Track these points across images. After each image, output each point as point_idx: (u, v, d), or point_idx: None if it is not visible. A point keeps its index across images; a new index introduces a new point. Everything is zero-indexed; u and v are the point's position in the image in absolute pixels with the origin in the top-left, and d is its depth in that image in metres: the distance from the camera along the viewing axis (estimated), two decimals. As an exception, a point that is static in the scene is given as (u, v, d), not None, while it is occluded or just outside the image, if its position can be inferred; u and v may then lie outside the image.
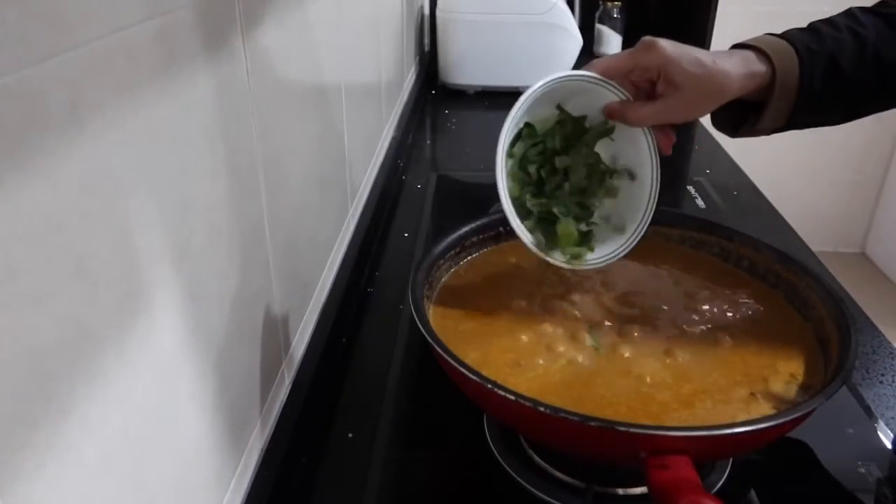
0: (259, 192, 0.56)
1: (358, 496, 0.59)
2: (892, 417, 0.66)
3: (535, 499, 0.57)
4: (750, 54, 0.58)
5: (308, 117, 0.71)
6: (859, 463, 0.61)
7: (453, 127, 1.54)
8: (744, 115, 0.62)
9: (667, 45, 0.57)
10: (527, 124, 0.63)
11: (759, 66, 0.58)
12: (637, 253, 0.72)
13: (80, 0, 0.31)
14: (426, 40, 1.87)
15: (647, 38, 0.59)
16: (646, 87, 0.60)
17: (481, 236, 0.73)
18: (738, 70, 0.57)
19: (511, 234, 0.74)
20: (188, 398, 0.44)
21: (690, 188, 1.16)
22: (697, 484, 0.43)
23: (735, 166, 1.28)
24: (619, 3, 1.94)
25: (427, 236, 1.02)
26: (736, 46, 0.61)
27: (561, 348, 0.60)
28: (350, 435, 0.65)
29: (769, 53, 0.58)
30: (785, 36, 0.60)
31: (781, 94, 0.58)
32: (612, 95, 0.61)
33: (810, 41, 0.59)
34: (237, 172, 0.51)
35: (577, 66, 1.66)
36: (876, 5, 0.61)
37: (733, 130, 0.64)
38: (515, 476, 0.58)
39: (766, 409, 0.53)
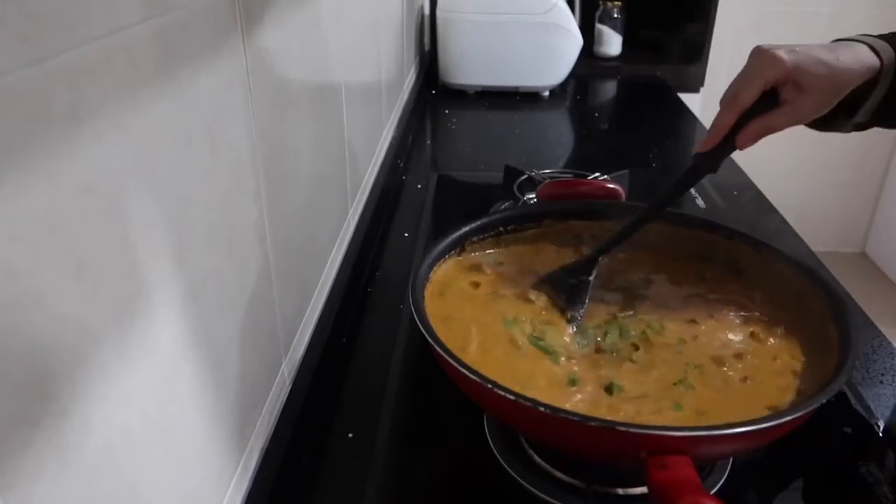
0: (259, 192, 0.56)
1: (358, 496, 0.59)
2: (893, 417, 0.66)
3: (536, 499, 0.57)
4: (861, 48, 0.60)
5: (308, 117, 0.71)
6: (859, 463, 0.61)
7: (453, 127, 1.54)
8: (832, 113, 0.62)
9: (785, 56, 0.58)
10: None
11: (872, 59, 0.59)
12: (637, 253, 0.73)
13: (81, 0, 0.31)
14: (426, 40, 1.87)
15: (764, 52, 0.59)
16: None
17: (481, 236, 0.73)
18: (858, 65, 0.59)
19: (511, 233, 0.74)
20: (188, 398, 0.44)
21: (691, 188, 1.16)
22: (697, 484, 0.43)
23: (735, 166, 1.28)
24: (620, 3, 1.94)
25: (427, 236, 1.01)
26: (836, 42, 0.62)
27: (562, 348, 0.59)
28: (350, 434, 0.65)
29: (875, 47, 0.60)
30: (868, 37, 0.62)
31: (883, 84, 0.60)
32: None
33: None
34: (237, 172, 0.51)
35: (577, 66, 1.66)
36: None
37: (824, 126, 0.65)
38: (515, 476, 0.58)
39: (766, 408, 0.53)
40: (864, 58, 0.59)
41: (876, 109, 0.62)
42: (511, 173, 1.08)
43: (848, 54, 0.59)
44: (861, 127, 0.66)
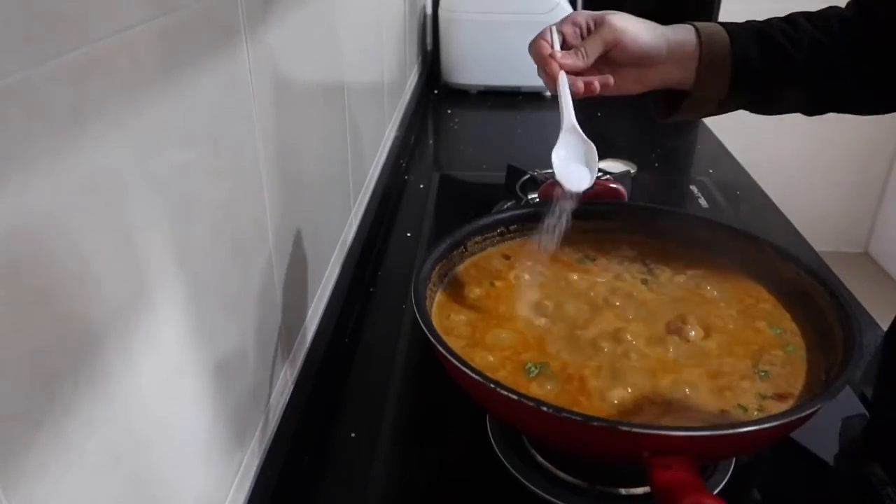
0: (262, 192, 0.56)
1: (361, 495, 0.59)
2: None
3: (538, 498, 0.57)
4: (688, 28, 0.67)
5: (311, 117, 0.71)
6: (863, 463, 0.60)
7: (456, 127, 1.54)
8: (678, 99, 0.69)
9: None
10: None
11: (685, 26, 0.67)
12: (638, 252, 0.73)
13: (84, 0, 0.31)
14: (429, 40, 1.87)
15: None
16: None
17: (483, 236, 0.73)
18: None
19: (514, 233, 0.74)
20: (191, 398, 0.44)
21: (693, 188, 1.16)
22: (700, 484, 0.43)
23: (738, 166, 1.28)
24: None
25: (429, 236, 1.02)
26: None
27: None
28: (353, 434, 0.65)
29: (696, 25, 0.67)
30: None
31: (710, 50, 0.65)
32: None
33: (738, 24, 0.67)
34: (240, 172, 0.51)
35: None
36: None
37: (669, 114, 0.71)
38: (518, 475, 0.58)
39: (769, 409, 0.53)
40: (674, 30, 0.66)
41: (732, 82, 0.66)
42: (513, 173, 1.08)
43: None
44: (715, 111, 0.70)
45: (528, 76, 1.84)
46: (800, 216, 1.18)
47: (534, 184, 1.04)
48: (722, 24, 0.67)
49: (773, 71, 0.65)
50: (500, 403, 0.51)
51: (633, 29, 0.65)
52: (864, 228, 2.81)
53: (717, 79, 0.66)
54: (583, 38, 0.67)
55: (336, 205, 0.84)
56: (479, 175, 1.24)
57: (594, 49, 0.65)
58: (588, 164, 0.64)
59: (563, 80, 0.65)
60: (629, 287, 0.68)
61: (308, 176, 0.70)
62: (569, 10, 1.58)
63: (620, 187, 0.79)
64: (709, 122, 1.50)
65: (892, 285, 2.65)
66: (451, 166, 1.35)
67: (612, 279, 0.69)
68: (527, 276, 0.69)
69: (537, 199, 0.87)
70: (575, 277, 0.69)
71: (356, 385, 0.72)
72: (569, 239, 0.75)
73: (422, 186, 1.19)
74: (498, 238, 0.74)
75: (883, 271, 2.72)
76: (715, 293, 0.67)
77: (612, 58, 0.66)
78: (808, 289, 0.63)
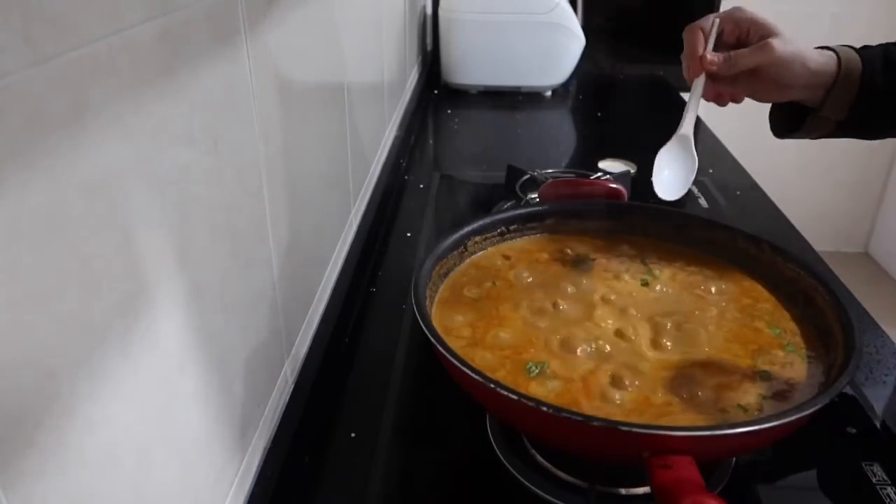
0: (262, 192, 0.56)
1: (361, 495, 0.59)
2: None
3: (538, 498, 0.57)
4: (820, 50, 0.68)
5: (311, 117, 0.71)
6: (863, 463, 0.60)
7: (456, 127, 1.54)
8: (801, 117, 0.70)
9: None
10: None
11: (829, 52, 0.68)
12: (638, 252, 0.73)
13: (84, 0, 0.31)
14: (429, 40, 1.87)
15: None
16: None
17: (483, 236, 0.73)
18: (818, 54, 0.67)
19: (514, 233, 0.74)
20: (191, 398, 0.44)
21: (693, 188, 1.16)
22: (700, 484, 0.43)
23: (738, 166, 1.28)
24: None
25: (430, 236, 1.01)
26: None
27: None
28: (353, 435, 0.65)
29: (834, 48, 0.68)
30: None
31: (846, 74, 0.66)
32: None
33: (869, 48, 0.69)
34: (240, 172, 0.51)
35: (579, 65, 1.66)
36: None
37: (790, 132, 0.72)
38: (518, 476, 0.58)
39: (768, 409, 0.53)
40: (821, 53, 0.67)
41: (853, 103, 0.67)
42: (513, 173, 1.08)
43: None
44: (831, 132, 0.71)
45: (528, 76, 1.84)
46: (800, 216, 1.18)
47: (534, 184, 1.04)
48: (854, 49, 0.69)
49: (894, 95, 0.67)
50: (500, 403, 0.51)
51: (791, 65, 0.66)
52: (864, 228, 2.81)
53: (842, 101, 0.68)
54: (739, 38, 0.68)
55: (336, 205, 0.84)
56: (480, 175, 1.24)
57: (746, 65, 0.66)
58: (685, 177, 0.66)
59: (698, 84, 0.67)
60: (629, 287, 0.68)
61: (308, 176, 0.70)
62: (568, 10, 1.58)
63: (620, 187, 0.79)
64: (709, 122, 1.50)
65: (892, 285, 2.65)
66: (451, 166, 1.35)
67: (612, 279, 0.69)
68: (526, 276, 0.69)
69: (537, 199, 0.87)
70: (575, 277, 0.69)
71: (356, 385, 0.72)
72: (569, 239, 0.75)
73: (422, 186, 1.19)
74: (498, 238, 0.74)
75: (883, 271, 2.72)
76: (714, 293, 0.67)
77: (757, 71, 0.67)
78: (808, 289, 0.63)
